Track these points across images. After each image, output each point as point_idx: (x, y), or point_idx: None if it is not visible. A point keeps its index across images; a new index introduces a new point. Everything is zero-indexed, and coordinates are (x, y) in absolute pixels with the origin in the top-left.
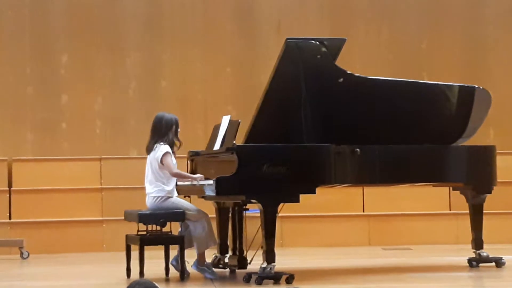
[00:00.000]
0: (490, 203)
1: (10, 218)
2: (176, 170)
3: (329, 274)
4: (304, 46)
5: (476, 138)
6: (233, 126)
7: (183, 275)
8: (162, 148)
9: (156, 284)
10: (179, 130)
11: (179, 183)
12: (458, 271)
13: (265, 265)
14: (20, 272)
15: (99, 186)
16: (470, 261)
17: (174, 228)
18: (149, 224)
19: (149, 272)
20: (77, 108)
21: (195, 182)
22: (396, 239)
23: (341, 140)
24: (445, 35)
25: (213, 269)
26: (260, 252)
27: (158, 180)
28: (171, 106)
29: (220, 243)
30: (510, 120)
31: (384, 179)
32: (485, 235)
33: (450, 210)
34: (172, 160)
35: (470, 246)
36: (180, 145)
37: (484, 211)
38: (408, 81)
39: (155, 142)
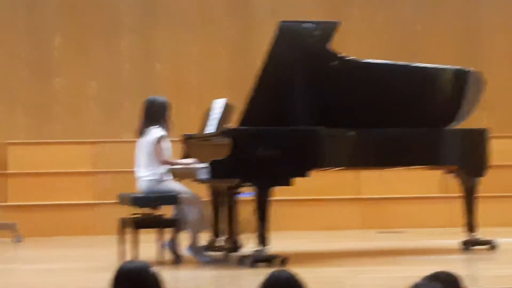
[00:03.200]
0: (483, 186)
1: (3, 201)
2: (164, 158)
3: (323, 257)
4: (298, 28)
5: (469, 121)
6: (227, 109)
7: (177, 259)
8: (156, 131)
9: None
10: (169, 113)
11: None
12: (451, 254)
13: (258, 248)
14: (13, 255)
15: (92, 170)
16: (463, 244)
17: (168, 211)
18: (144, 207)
19: (142, 255)
20: (70, 91)
21: (189, 166)
22: (390, 222)
23: (334, 123)
24: (440, 18)
25: (207, 252)
26: (254, 235)
27: (153, 163)
28: (165, 89)
29: (214, 226)
30: (504, 104)
31: (377, 163)
32: (478, 218)
33: (443, 193)
34: (166, 145)
35: (463, 229)
36: (170, 128)
37: (477, 194)
38: (402, 64)
39: (147, 126)
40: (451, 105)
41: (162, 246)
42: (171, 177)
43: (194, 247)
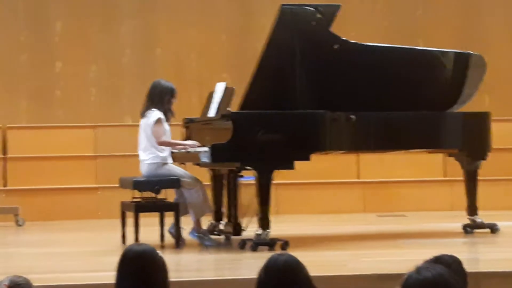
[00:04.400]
0: (485, 169)
1: (5, 186)
2: (162, 139)
3: (324, 240)
4: (299, 12)
5: (471, 105)
6: (228, 93)
7: (178, 242)
8: (154, 114)
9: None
10: (173, 100)
11: (173, 150)
12: (453, 237)
13: (260, 231)
14: (15, 239)
15: (94, 154)
16: (464, 227)
17: (169, 195)
18: (144, 191)
19: (144, 239)
20: (71, 75)
21: (190, 149)
22: (391, 205)
23: (336, 107)
24: (440, 2)
25: (211, 236)
26: (255, 219)
27: (153, 146)
28: (165, 73)
29: (215, 210)
30: (505, 87)
31: (379, 146)
32: (479, 202)
33: (445, 176)
34: (163, 128)
35: (464, 212)
36: (172, 116)
37: (478, 178)
38: (403, 47)
39: (148, 108)
40: (452, 88)
41: (169, 231)
42: (172, 161)
43: (197, 231)
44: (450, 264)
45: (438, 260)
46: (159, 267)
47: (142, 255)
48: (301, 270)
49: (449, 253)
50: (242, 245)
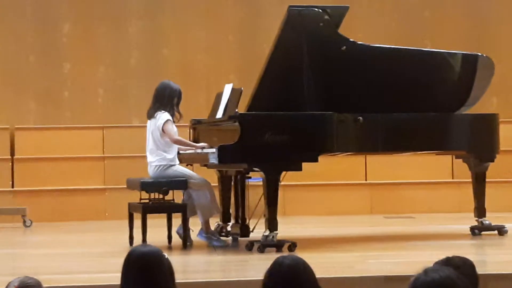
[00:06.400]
0: (493, 171)
1: (12, 187)
2: (177, 137)
3: (331, 242)
4: (307, 13)
5: (479, 106)
6: (236, 94)
7: (186, 243)
8: (163, 116)
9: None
10: (180, 102)
11: (181, 151)
12: (460, 239)
13: (267, 233)
14: (23, 240)
15: (102, 155)
16: (472, 229)
17: (177, 196)
18: (152, 192)
19: (151, 240)
20: (79, 77)
21: (198, 150)
22: (398, 207)
23: (343, 108)
24: (448, 3)
25: (220, 237)
26: (263, 220)
27: (160, 148)
28: (173, 74)
29: (223, 211)
30: None
31: (386, 148)
32: (487, 204)
33: (452, 178)
34: (173, 128)
35: (472, 214)
36: (180, 117)
37: (486, 180)
38: (411, 49)
39: (156, 110)
40: (460, 90)
41: (177, 232)
42: (179, 162)
43: (205, 232)
44: (460, 266)
45: (448, 261)
46: (164, 269)
47: (146, 256)
48: (306, 273)
49: (456, 255)
50: (250, 246)
